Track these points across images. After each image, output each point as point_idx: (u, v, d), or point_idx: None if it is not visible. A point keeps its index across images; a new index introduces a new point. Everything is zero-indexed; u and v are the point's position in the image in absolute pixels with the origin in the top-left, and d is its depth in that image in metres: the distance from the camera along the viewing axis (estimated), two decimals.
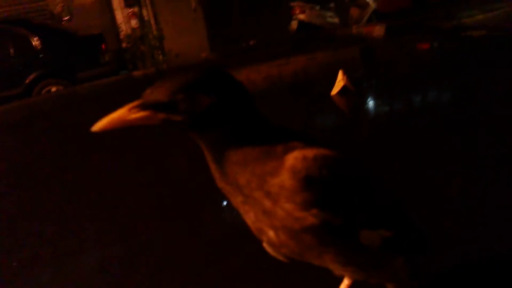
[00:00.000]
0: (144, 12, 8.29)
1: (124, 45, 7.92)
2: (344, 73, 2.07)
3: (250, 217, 0.57)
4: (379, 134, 1.60)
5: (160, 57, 7.74)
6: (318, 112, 1.96)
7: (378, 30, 3.95)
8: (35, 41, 6.70)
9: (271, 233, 0.55)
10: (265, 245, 0.61)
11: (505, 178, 1.11)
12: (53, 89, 6.70)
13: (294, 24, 7.81)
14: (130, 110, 0.50)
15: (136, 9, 8.27)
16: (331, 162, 0.54)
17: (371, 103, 2.07)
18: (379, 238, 0.57)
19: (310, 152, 0.53)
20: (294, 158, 0.52)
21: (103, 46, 7.19)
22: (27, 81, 6.69)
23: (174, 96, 0.49)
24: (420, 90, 2.15)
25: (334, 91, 2.05)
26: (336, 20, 7.96)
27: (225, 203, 1.15)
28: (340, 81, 2.05)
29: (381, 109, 1.99)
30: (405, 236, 0.62)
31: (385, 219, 0.60)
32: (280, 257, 0.62)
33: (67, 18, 8.14)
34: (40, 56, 6.74)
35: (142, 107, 0.50)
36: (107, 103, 3.06)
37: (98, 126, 0.49)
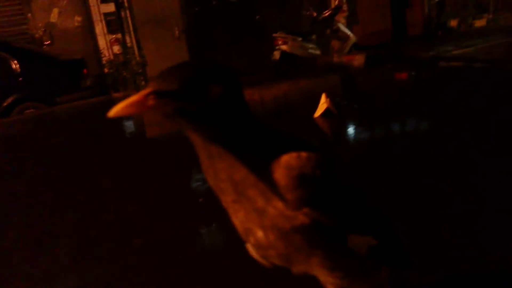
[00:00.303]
0: (127, 39, 8.33)
1: (106, 70, 7.91)
2: (327, 96, 2.09)
3: (239, 217, 0.55)
4: (361, 156, 1.61)
5: (143, 83, 7.75)
6: (302, 134, 1.97)
7: (358, 60, 4.03)
8: (15, 64, 6.64)
9: (259, 233, 0.54)
10: (249, 247, 0.59)
11: (479, 199, 1.12)
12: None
13: (276, 55, 7.93)
14: (146, 97, 0.48)
15: (119, 35, 8.31)
16: (325, 163, 0.54)
17: (353, 126, 2.09)
18: (366, 245, 0.57)
19: (304, 152, 0.53)
20: (289, 156, 0.52)
21: (84, 71, 7.17)
22: (5, 103, 6.60)
23: (189, 84, 0.48)
24: (398, 117, 2.19)
25: (317, 113, 2.06)
26: (317, 51, 8.12)
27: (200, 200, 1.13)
28: (323, 103, 2.07)
29: (363, 133, 2.01)
30: (390, 246, 0.62)
31: (373, 226, 0.60)
32: (264, 262, 0.60)
33: (48, 42, 8.11)
34: (20, 79, 6.67)
35: (158, 94, 0.48)
36: (86, 124, 3.01)
37: (114, 112, 0.47)
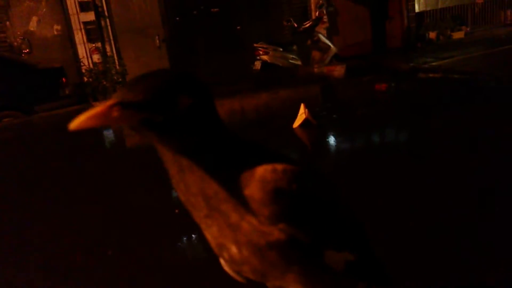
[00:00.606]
0: (107, 48, 8.26)
1: (85, 79, 7.82)
2: (306, 106, 2.09)
3: (212, 232, 0.53)
4: (340, 166, 1.61)
5: None
6: (280, 144, 1.96)
7: (339, 70, 4.06)
8: None
9: (233, 249, 0.52)
10: (223, 262, 0.57)
11: (463, 209, 1.12)
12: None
13: (257, 65, 7.95)
14: (110, 108, 0.45)
15: (99, 44, 8.23)
16: (301, 176, 0.52)
17: (332, 137, 2.09)
18: (342, 261, 0.55)
19: (280, 165, 0.51)
20: (264, 169, 0.50)
21: (63, 79, 7.07)
22: None
23: (156, 95, 0.46)
24: (378, 127, 2.20)
25: (296, 123, 2.06)
26: (298, 62, 8.17)
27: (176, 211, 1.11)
28: (302, 114, 2.07)
29: (342, 144, 2.01)
30: (367, 262, 0.61)
31: (349, 241, 0.58)
32: (238, 277, 0.58)
33: (27, 51, 8.00)
34: None
35: (122, 105, 0.45)
36: (63, 134, 2.94)
37: (75, 124, 0.45)
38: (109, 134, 3.25)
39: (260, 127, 2.31)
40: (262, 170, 0.50)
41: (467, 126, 1.83)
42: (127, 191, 1.49)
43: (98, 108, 0.45)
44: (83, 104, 7.30)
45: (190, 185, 0.50)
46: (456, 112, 2.08)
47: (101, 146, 2.43)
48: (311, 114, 2.17)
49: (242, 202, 0.49)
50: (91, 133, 3.03)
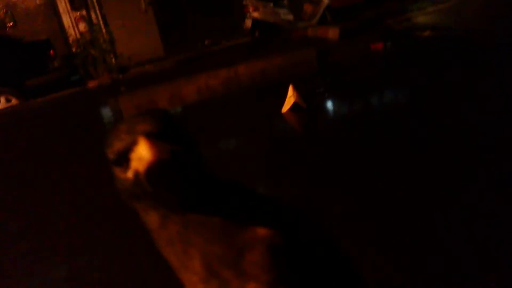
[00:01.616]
0: (93, 15, 8.01)
1: (73, 50, 7.63)
2: (295, 88, 2.01)
3: None
4: (331, 149, 1.59)
5: (113, 60, 7.51)
6: (269, 134, 1.90)
7: (333, 32, 3.96)
8: None
9: None
10: None
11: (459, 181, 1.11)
12: (2, 98, 6.40)
13: (248, 23, 7.74)
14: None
15: (83, 12, 7.98)
16: (297, 243, 0.53)
17: (324, 122, 2.03)
18: None
19: (280, 231, 0.50)
20: (265, 233, 0.49)
21: (51, 52, 6.92)
22: None
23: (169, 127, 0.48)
24: (375, 90, 2.16)
25: (285, 108, 2.00)
26: (290, 17, 7.95)
27: None
28: (290, 97, 1.99)
29: (334, 128, 1.97)
30: None
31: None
32: None
33: (10, 24, 7.77)
34: None
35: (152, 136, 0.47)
36: (63, 118, 2.90)
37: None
38: (108, 115, 3.19)
39: (249, 112, 2.25)
40: (263, 234, 0.49)
41: (469, 86, 1.80)
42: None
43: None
44: (74, 76, 7.18)
45: (190, 247, 0.49)
46: (455, 71, 2.04)
47: (99, 129, 2.40)
48: (300, 96, 2.09)
49: (248, 268, 0.49)
50: (89, 116, 2.99)
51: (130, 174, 0.48)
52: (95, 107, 3.01)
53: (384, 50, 2.89)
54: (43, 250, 1.17)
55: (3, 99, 6.39)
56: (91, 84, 6.94)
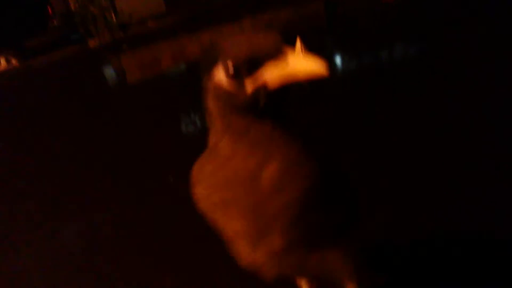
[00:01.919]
0: None
1: (72, 7, 7.44)
2: (302, 41, 1.94)
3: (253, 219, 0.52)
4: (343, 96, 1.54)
5: (113, 18, 7.33)
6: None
7: None
8: None
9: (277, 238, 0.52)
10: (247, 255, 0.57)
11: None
12: (2, 59, 6.32)
13: None
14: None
15: None
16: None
17: (333, 76, 1.97)
18: None
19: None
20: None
21: (49, 10, 6.78)
22: None
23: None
24: (386, 45, 2.08)
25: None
26: None
27: None
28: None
29: (349, 68, 1.91)
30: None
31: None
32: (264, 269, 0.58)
33: None
34: None
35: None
36: (65, 78, 2.84)
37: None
38: (111, 73, 3.13)
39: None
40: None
41: (486, 38, 1.72)
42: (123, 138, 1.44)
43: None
44: (73, 35, 7.04)
45: (272, 149, 0.48)
46: (461, 27, 1.96)
47: (102, 88, 2.35)
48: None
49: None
50: (91, 76, 2.93)
51: (251, 86, 0.45)
52: (97, 67, 2.92)
53: (395, 2, 2.77)
54: (54, 208, 1.15)
55: (3, 60, 6.30)
56: (92, 43, 6.81)
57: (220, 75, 0.47)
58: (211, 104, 0.49)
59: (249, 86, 0.45)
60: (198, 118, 1.65)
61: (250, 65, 0.44)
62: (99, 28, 6.99)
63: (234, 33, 2.98)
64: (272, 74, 0.44)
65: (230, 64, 0.45)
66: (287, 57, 0.44)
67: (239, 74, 0.45)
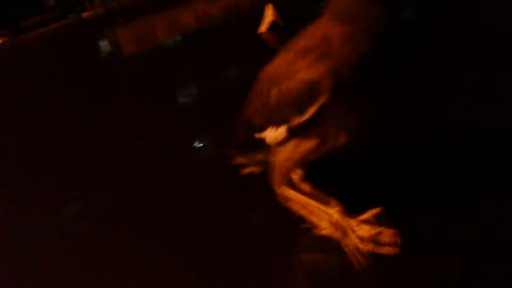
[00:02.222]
0: None
1: None
2: (274, 7, 1.91)
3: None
4: None
5: None
6: (246, 54, 1.81)
7: None
8: None
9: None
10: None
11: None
12: None
13: None
14: None
15: None
16: None
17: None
18: None
19: None
20: None
21: None
22: None
23: None
24: None
25: (263, 28, 1.90)
26: None
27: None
28: (268, 16, 1.89)
29: None
30: None
31: None
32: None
33: None
34: None
35: None
36: (58, 50, 2.81)
37: None
38: (105, 45, 3.10)
39: (224, 34, 2.15)
40: None
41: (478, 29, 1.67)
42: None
43: None
44: (72, 15, 6.96)
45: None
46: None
47: (96, 59, 2.33)
48: (278, 14, 1.97)
49: None
50: (85, 47, 2.89)
51: None
52: (92, 39, 2.88)
53: None
54: (56, 187, 1.14)
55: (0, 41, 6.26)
56: (85, 14, 6.69)
57: None
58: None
59: None
60: (196, 90, 1.64)
61: None
62: (96, 5, 6.90)
63: (228, 3, 2.94)
64: None
65: None
66: None
67: None
